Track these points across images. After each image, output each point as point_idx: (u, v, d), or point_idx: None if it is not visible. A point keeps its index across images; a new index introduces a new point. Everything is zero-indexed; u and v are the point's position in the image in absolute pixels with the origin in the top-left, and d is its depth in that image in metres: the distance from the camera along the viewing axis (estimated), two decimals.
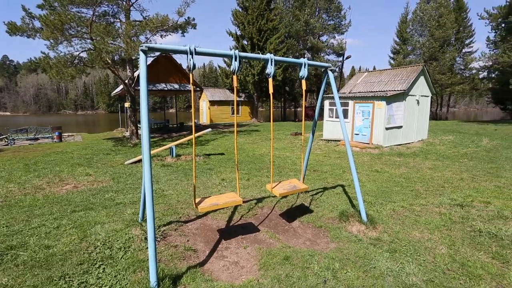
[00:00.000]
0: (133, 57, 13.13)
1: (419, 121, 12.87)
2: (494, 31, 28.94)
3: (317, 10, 34.72)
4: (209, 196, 3.86)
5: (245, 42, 27.49)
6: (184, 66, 18.24)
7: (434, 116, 35.06)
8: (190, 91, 19.09)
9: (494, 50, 27.97)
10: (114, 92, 22.29)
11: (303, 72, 3.98)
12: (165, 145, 10.18)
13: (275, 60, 3.71)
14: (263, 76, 26.16)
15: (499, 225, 4.07)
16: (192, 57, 3.12)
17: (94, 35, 10.85)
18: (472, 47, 38.21)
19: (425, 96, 13.14)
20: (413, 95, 12.21)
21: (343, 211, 4.51)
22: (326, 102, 13.68)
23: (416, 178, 6.87)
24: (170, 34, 13.70)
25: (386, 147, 11.23)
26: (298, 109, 39.37)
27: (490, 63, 27.21)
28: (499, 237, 3.73)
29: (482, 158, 9.22)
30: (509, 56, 22.15)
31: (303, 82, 4.07)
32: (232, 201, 3.65)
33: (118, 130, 21.64)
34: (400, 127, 11.86)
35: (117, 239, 3.73)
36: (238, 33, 27.74)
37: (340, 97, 12.81)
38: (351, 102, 12.35)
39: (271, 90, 3.72)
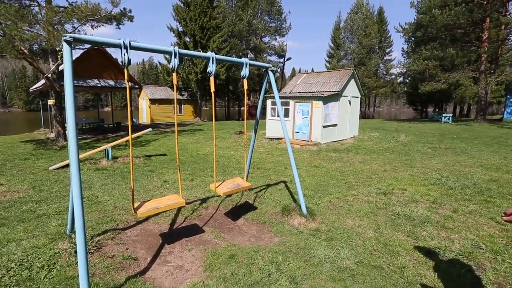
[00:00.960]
0: (57, 48, 11.52)
1: (351, 120, 14.26)
2: (407, 43, 34.07)
3: (259, 11, 35.60)
4: (149, 200, 3.65)
5: (187, 39, 26.59)
6: (120, 61, 16.73)
7: (363, 115, 39.28)
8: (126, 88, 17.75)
9: (407, 59, 32.80)
10: (34, 87, 19.25)
11: (245, 71, 4.05)
12: (99, 146, 9.24)
13: (216, 59, 3.69)
14: (206, 74, 25.68)
15: (412, 208, 4.79)
16: (127, 52, 2.90)
17: (2, 18, 9.17)
18: (391, 55, 43.96)
19: (356, 97, 14.62)
20: (345, 96, 13.46)
21: (285, 206, 4.73)
22: (269, 102, 14.15)
23: (349, 171, 7.61)
24: (103, 25, 12.36)
25: (323, 143, 12.16)
26: (242, 108, 39.79)
27: (405, 70, 31.85)
28: (412, 218, 4.39)
29: (400, 151, 10.70)
30: (417, 65, 26.14)
31: (245, 81, 4.14)
32: (175, 203, 3.52)
33: (40, 131, 18.80)
34: (335, 125, 12.97)
35: (39, 257, 3.26)
36: (180, 29, 26.69)
37: (281, 97, 13.40)
38: (291, 102, 13.01)
39: (212, 89, 3.69)
